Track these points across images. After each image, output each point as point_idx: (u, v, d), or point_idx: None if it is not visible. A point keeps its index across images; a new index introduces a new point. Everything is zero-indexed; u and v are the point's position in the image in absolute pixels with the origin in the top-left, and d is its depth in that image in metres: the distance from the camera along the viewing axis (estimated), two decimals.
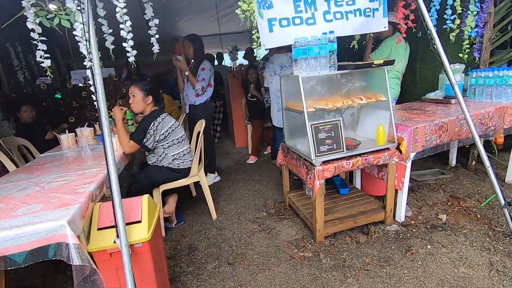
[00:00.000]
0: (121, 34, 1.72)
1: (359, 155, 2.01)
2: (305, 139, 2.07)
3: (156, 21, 1.90)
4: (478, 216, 2.24)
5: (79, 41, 1.63)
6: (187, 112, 3.43)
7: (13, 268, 1.08)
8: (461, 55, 2.60)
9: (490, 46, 2.72)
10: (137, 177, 2.31)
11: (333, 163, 1.94)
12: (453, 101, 2.52)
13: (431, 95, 2.74)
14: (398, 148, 2.08)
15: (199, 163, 2.52)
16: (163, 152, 2.28)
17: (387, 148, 2.06)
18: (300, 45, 1.93)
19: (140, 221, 1.42)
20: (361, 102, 2.02)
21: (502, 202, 1.92)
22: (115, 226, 1.34)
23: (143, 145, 2.15)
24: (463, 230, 2.10)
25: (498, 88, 2.40)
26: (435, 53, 3.22)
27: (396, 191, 2.20)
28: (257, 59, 2.26)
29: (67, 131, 2.74)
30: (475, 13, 2.47)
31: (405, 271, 1.78)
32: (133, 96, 2.19)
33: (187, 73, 3.09)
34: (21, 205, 1.30)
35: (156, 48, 1.95)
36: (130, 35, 1.74)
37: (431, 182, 2.82)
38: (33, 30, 1.64)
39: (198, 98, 3.31)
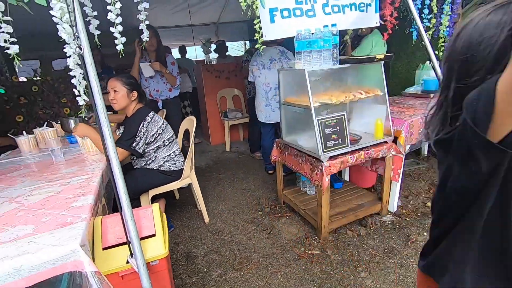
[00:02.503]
0: (109, 18, 1.48)
1: (361, 149, 2.02)
2: (308, 135, 2.03)
3: (146, 4, 1.66)
4: None
5: (58, 24, 1.36)
6: (161, 108, 3.17)
7: None
8: (436, 52, 2.78)
9: None
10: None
11: (339, 158, 1.92)
12: (432, 95, 2.68)
13: (410, 90, 2.89)
14: (393, 141, 2.15)
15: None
16: (153, 154, 2.04)
17: (385, 142, 2.11)
18: (304, 37, 1.86)
19: (154, 235, 1.23)
20: (361, 96, 2.03)
21: None
22: (128, 244, 1.14)
23: (133, 150, 1.88)
24: None
25: None
26: (408, 50, 3.44)
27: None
28: (260, 51, 2.06)
29: (24, 132, 2.32)
30: (449, 13, 2.65)
31: (411, 260, 1.84)
32: (115, 91, 1.90)
33: (167, 71, 2.87)
34: (1, 229, 1.03)
35: (145, 36, 1.72)
36: (119, 19, 1.50)
37: (410, 172, 3.00)
38: None
39: (171, 92, 3.14)
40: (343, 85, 2.14)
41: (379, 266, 1.81)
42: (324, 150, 1.87)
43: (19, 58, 1.38)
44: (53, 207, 1.16)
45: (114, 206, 1.90)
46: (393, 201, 2.33)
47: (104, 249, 1.16)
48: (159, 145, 2.03)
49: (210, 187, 3.09)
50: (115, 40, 1.48)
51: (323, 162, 1.87)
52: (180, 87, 3.20)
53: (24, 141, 2.15)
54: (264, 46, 1.97)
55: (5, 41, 1.34)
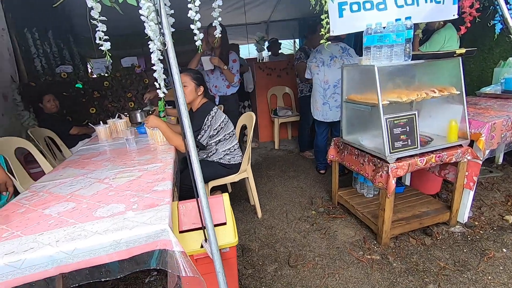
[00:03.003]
0: (189, 15, 1.56)
1: (432, 152, 1.88)
2: (372, 134, 1.94)
3: (220, 2, 1.72)
4: None
5: (145, 22, 1.46)
6: (217, 104, 3.28)
7: (106, 279, 0.94)
8: None
9: None
10: (185, 172, 2.15)
11: (407, 160, 1.80)
12: None
13: (487, 90, 2.60)
14: (469, 145, 1.96)
15: None
16: (214, 147, 2.12)
17: (460, 145, 1.93)
18: (375, 31, 1.77)
19: (225, 223, 1.27)
20: (434, 94, 1.88)
21: None
22: (203, 229, 1.20)
23: (198, 142, 1.98)
24: None
25: None
26: (484, 46, 3.10)
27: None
28: (324, 47, 1.94)
29: (101, 122, 2.57)
30: None
31: (489, 277, 1.66)
32: (184, 85, 2.00)
33: (225, 67, 2.94)
34: (97, 205, 1.15)
35: (218, 32, 1.78)
36: (198, 16, 1.57)
37: (482, 181, 2.71)
38: (91, 8, 1.46)
39: (229, 89, 3.22)
40: (413, 82, 2.00)
41: (449, 280, 1.66)
42: (392, 151, 1.77)
43: (110, 54, 1.52)
44: (138, 190, 1.26)
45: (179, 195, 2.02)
46: (464, 211, 2.12)
47: (180, 232, 1.23)
48: (220, 139, 2.10)
49: (261, 183, 3.12)
50: (194, 37, 1.56)
51: (389, 163, 1.77)
52: (238, 85, 3.25)
53: (102, 130, 2.39)
54: (329, 42, 1.92)
55: (99, 39, 1.49)
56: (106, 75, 3.96)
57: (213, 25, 1.78)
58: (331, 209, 2.49)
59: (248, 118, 2.37)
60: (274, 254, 2.01)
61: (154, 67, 1.50)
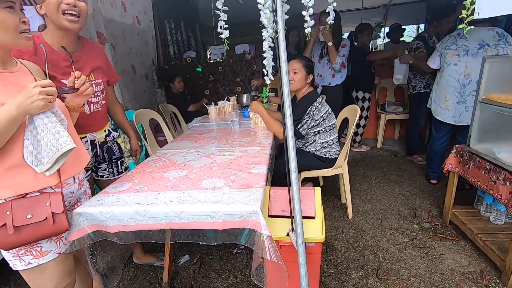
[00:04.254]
0: (302, 1, 1.52)
1: None
2: None
3: None
4: None
5: (261, 10, 1.50)
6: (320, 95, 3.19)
7: (203, 243, 1.06)
8: None
9: None
10: (280, 159, 2.20)
11: None
12: None
13: None
14: None
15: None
16: (312, 138, 2.08)
17: None
18: None
19: (313, 217, 1.25)
20: None
21: None
22: (291, 218, 1.20)
23: (297, 131, 1.98)
24: None
25: None
26: None
27: None
28: (464, 33, 1.54)
29: (213, 103, 2.88)
30: None
31: None
32: (295, 72, 2.00)
33: (330, 43, 2.79)
34: (203, 177, 1.30)
35: (331, 19, 1.69)
36: (312, 2, 1.52)
37: None
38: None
39: (334, 79, 3.05)
40: None
41: None
42: None
43: (228, 42, 1.65)
44: (237, 169, 1.37)
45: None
46: None
47: (269, 216, 1.27)
48: (320, 130, 2.04)
49: (356, 183, 2.91)
50: (304, 24, 1.53)
51: None
52: (343, 74, 3.06)
53: (213, 110, 2.68)
54: (472, 27, 1.55)
55: (220, 27, 1.63)
56: (221, 60, 4.38)
57: (327, 11, 1.70)
58: (439, 227, 2.12)
59: (351, 112, 2.21)
60: (361, 260, 1.87)
61: (264, 54, 1.55)
